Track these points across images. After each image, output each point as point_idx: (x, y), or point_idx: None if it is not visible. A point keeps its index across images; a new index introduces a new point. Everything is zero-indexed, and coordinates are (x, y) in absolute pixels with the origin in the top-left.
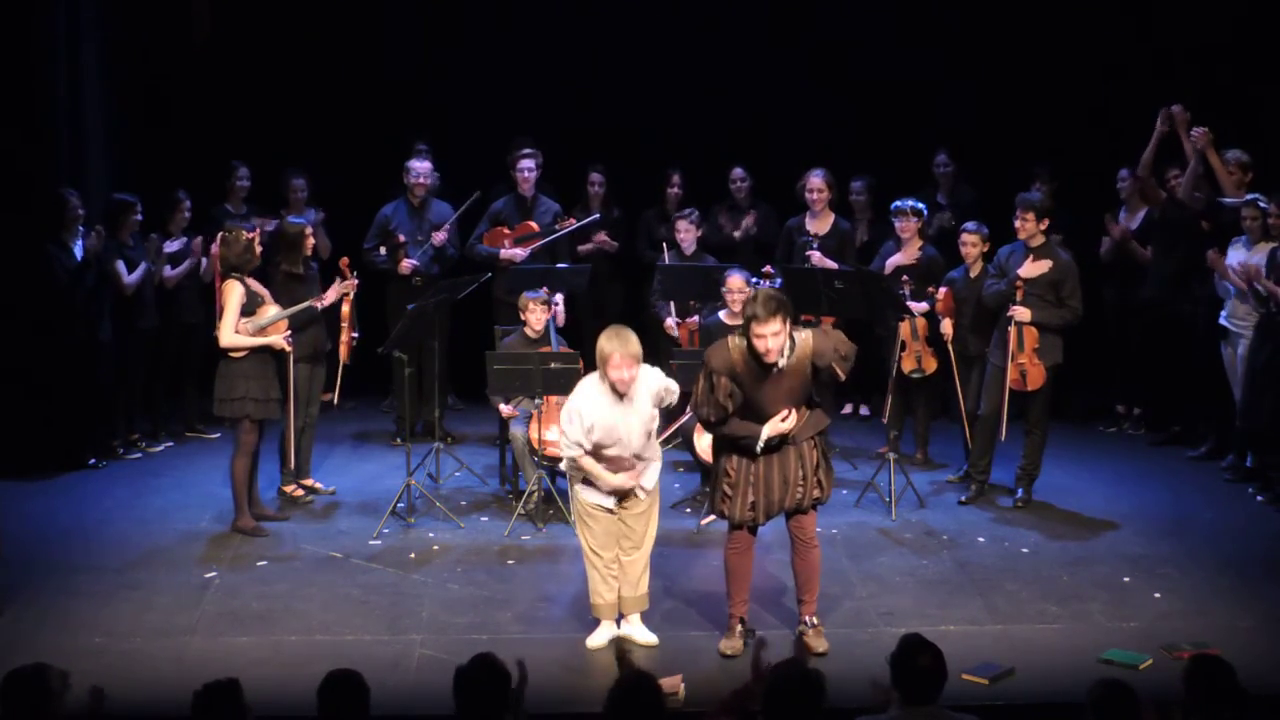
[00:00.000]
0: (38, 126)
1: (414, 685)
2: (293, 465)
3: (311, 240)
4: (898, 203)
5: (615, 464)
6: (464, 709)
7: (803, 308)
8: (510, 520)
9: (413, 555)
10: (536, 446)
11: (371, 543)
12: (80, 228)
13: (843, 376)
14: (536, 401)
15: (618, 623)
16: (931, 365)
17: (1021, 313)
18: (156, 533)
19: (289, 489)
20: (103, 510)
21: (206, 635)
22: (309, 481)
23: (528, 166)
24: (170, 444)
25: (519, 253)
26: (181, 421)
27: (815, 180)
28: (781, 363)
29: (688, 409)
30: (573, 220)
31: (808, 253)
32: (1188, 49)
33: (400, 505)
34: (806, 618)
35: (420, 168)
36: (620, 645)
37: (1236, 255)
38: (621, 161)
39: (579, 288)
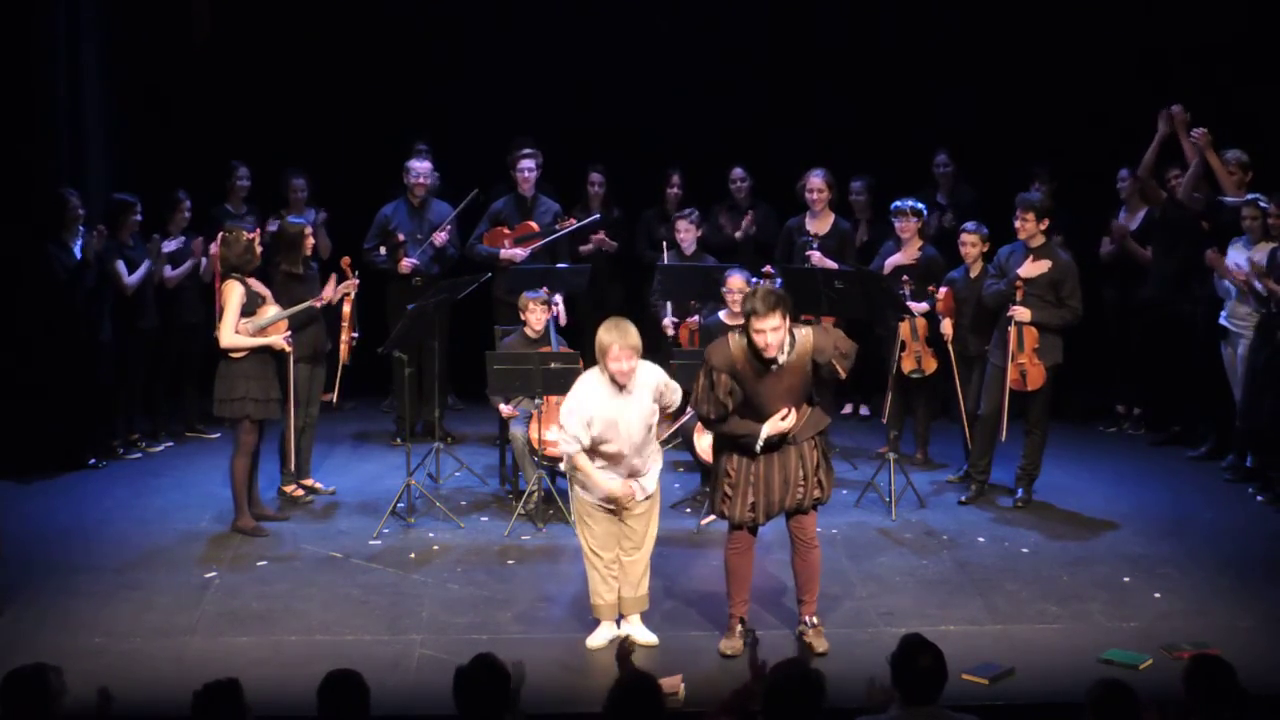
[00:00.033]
0: (38, 126)
1: (414, 685)
2: (293, 465)
3: (311, 240)
4: (898, 203)
5: (613, 461)
6: (464, 709)
7: (803, 308)
8: (510, 520)
9: (413, 555)
10: (536, 446)
11: (371, 543)
12: (80, 228)
13: (843, 374)
14: (536, 401)
15: (618, 623)
16: (931, 365)
17: (1021, 313)
18: (156, 533)
19: (289, 489)
20: (103, 510)
21: (206, 635)
22: (309, 481)
23: (528, 166)
24: (170, 444)
25: (519, 253)
26: (181, 421)
27: (815, 180)
28: (781, 359)
29: (688, 408)
30: (573, 220)
31: (808, 253)
32: (1187, 49)
33: (400, 505)
34: (806, 618)
35: (420, 168)
36: (621, 645)
37: (1236, 255)
38: (621, 161)
39: (579, 288)
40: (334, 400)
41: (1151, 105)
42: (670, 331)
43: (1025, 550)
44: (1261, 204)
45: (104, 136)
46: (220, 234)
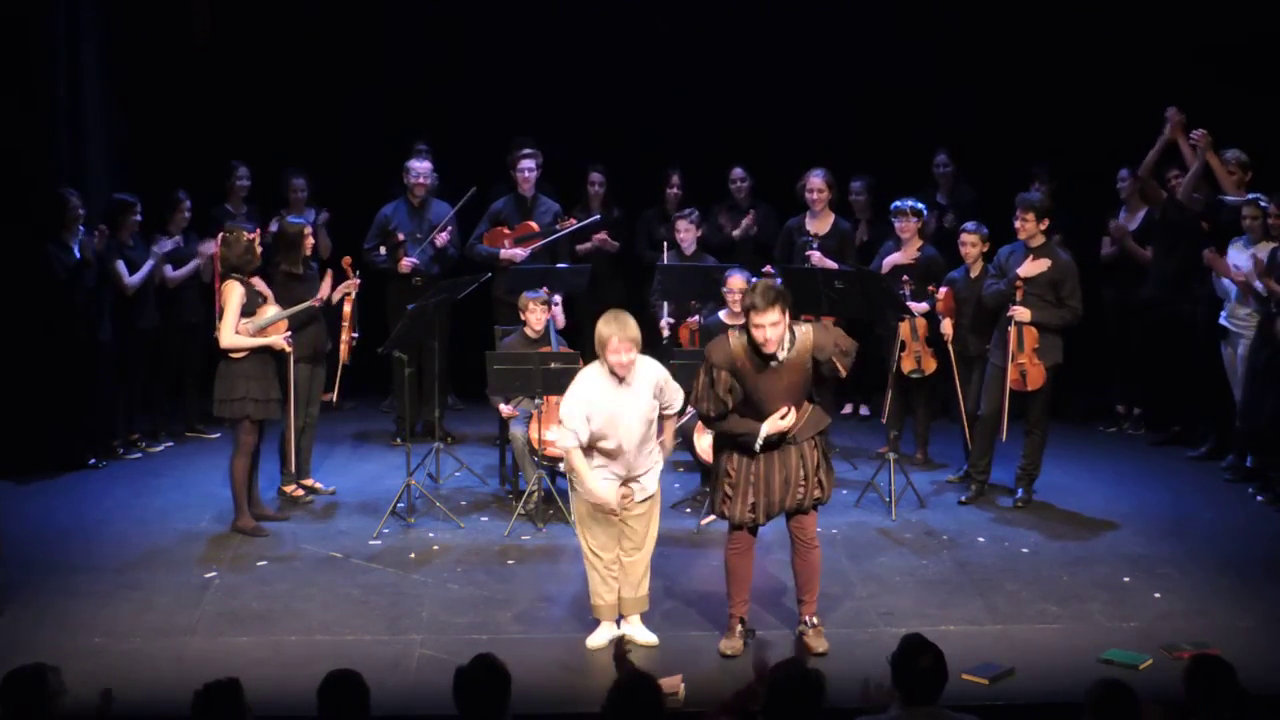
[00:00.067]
0: (38, 126)
1: (414, 685)
2: (293, 465)
3: (311, 240)
4: (898, 203)
5: (611, 458)
6: (464, 709)
7: (803, 308)
8: (510, 520)
9: (413, 555)
10: (536, 446)
11: (371, 543)
12: (80, 228)
13: (843, 372)
14: (536, 401)
15: (618, 623)
16: (931, 365)
17: (1021, 313)
18: (156, 533)
19: (289, 489)
20: (103, 510)
21: (206, 635)
22: (309, 481)
23: (528, 166)
24: (170, 444)
25: (519, 253)
26: (181, 421)
27: (815, 180)
28: (781, 355)
29: (688, 407)
30: (573, 220)
31: (808, 253)
32: (1187, 49)
33: (400, 505)
34: (806, 618)
35: (420, 168)
36: (617, 644)
37: (1236, 255)
38: (621, 161)
39: (579, 288)
40: (334, 400)
41: (1151, 105)
42: (666, 333)
43: (1025, 550)
44: (1262, 203)
45: (104, 136)
46: (220, 234)
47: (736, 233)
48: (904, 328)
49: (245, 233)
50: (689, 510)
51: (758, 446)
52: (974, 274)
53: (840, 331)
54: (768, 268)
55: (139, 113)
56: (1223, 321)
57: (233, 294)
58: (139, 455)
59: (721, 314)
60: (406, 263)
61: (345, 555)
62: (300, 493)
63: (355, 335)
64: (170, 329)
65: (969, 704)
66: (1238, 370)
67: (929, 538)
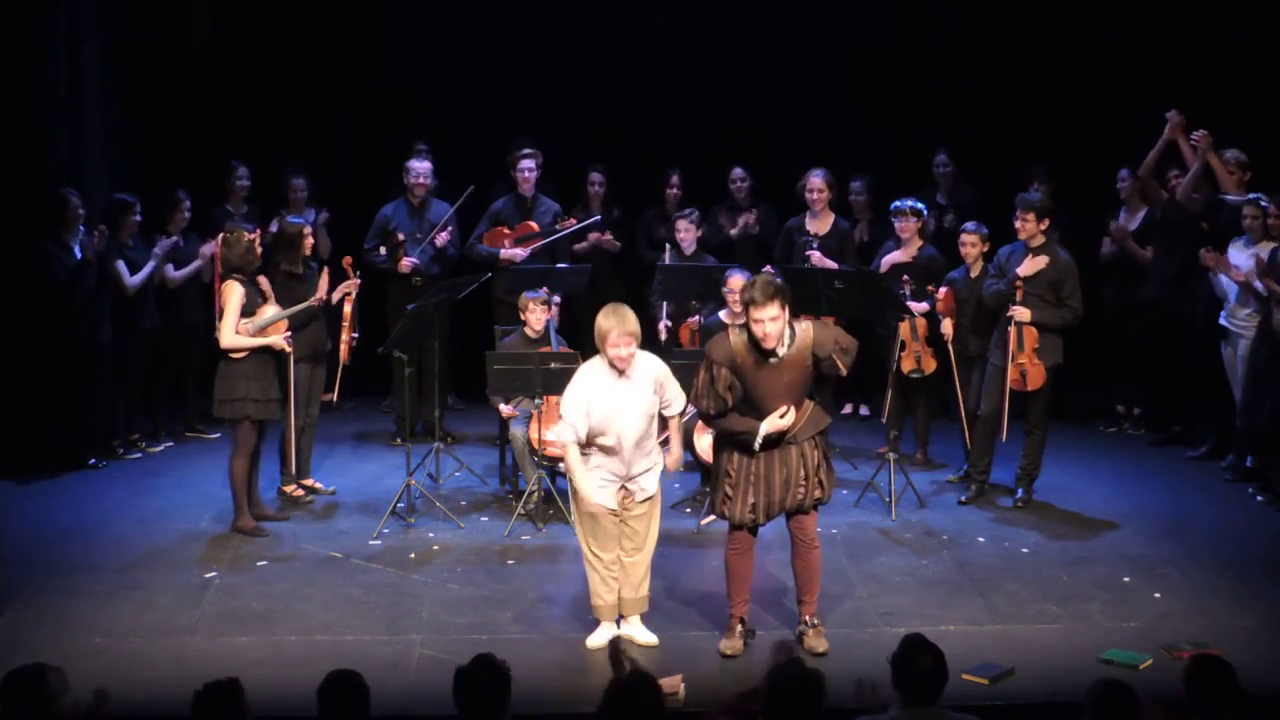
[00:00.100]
0: (38, 126)
1: (414, 685)
2: (293, 465)
3: (310, 240)
4: (898, 203)
5: (610, 455)
6: (464, 709)
7: (803, 308)
8: (510, 520)
9: (413, 555)
10: (536, 446)
11: (371, 543)
12: (81, 228)
13: (844, 370)
14: (536, 401)
15: (618, 623)
16: (931, 365)
17: (1021, 313)
18: (156, 533)
19: (289, 489)
20: (103, 510)
21: (206, 635)
22: (309, 481)
23: (528, 166)
24: (170, 444)
25: (519, 253)
26: (181, 421)
27: (815, 180)
28: (781, 351)
29: (688, 408)
30: (573, 220)
31: (808, 253)
32: (1187, 49)
33: (400, 505)
34: (806, 618)
35: (420, 168)
36: (612, 645)
37: (1237, 254)
38: (621, 161)
39: (579, 288)
40: (334, 400)
41: (1152, 105)
42: (664, 336)
43: (1025, 550)
44: (1263, 203)
45: (104, 136)
46: (221, 234)
47: (734, 231)
48: (904, 328)
49: (246, 233)
50: (689, 510)
51: (757, 445)
52: (974, 274)
53: (840, 330)
54: (767, 268)
55: (139, 113)
56: (1223, 321)
57: (233, 294)
58: (139, 455)
59: (721, 314)
60: (406, 263)
61: (345, 555)
62: (300, 493)
63: (355, 335)
64: (170, 329)
65: (969, 704)
66: (1238, 370)
67: (929, 538)
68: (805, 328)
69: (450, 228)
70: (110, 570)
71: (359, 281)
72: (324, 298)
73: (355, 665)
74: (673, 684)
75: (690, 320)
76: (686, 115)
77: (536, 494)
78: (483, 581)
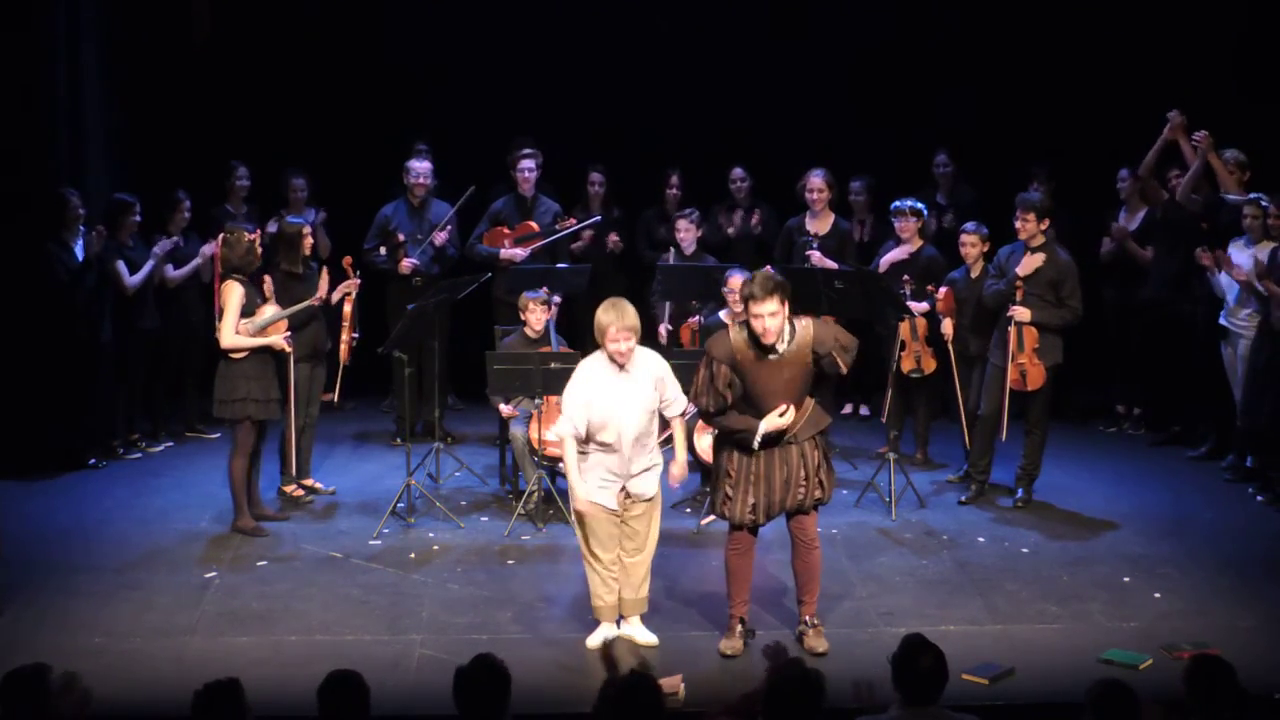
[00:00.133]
0: (38, 126)
1: (414, 685)
2: (293, 465)
3: (310, 240)
4: (897, 203)
5: (609, 452)
6: (464, 709)
7: (803, 308)
8: (510, 520)
9: (413, 555)
10: (536, 446)
11: (371, 543)
12: (81, 227)
13: (844, 368)
14: (536, 401)
15: (618, 624)
16: (930, 365)
17: (1021, 313)
18: (156, 533)
19: (289, 489)
20: (103, 510)
21: (206, 635)
22: (309, 481)
23: (528, 166)
24: (170, 444)
25: (519, 253)
26: (181, 421)
27: (815, 180)
28: (781, 348)
29: (688, 408)
30: (573, 220)
31: (808, 253)
32: (1187, 49)
33: (400, 505)
34: (806, 618)
35: (420, 168)
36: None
37: (1237, 254)
38: (621, 161)
39: (579, 288)
40: (334, 400)
41: (1152, 105)
42: (664, 339)
43: (1025, 550)
44: (1263, 203)
45: (104, 136)
46: (221, 235)
47: (732, 230)
48: (904, 327)
49: (246, 233)
50: (689, 510)
51: (756, 443)
52: (974, 274)
53: (840, 328)
54: (767, 268)
55: (139, 113)
56: (1223, 321)
57: (233, 294)
58: (139, 455)
59: (722, 314)
60: (407, 263)
61: (345, 555)
62: (300, 493)
63: (355, 335)
64: (170, 329)
65: (969, 704)
66: (1238, 370)
67: (929, 538)
68: (805, 324)
69: (449, 226)
70: (110, 570)
71: (359, 281)
72: (324, 297)
73: (355, 665)
74: (673, 684)
75: (691, 320)
76: (686, 115)
77: (536, 494)
78: (483, 581)
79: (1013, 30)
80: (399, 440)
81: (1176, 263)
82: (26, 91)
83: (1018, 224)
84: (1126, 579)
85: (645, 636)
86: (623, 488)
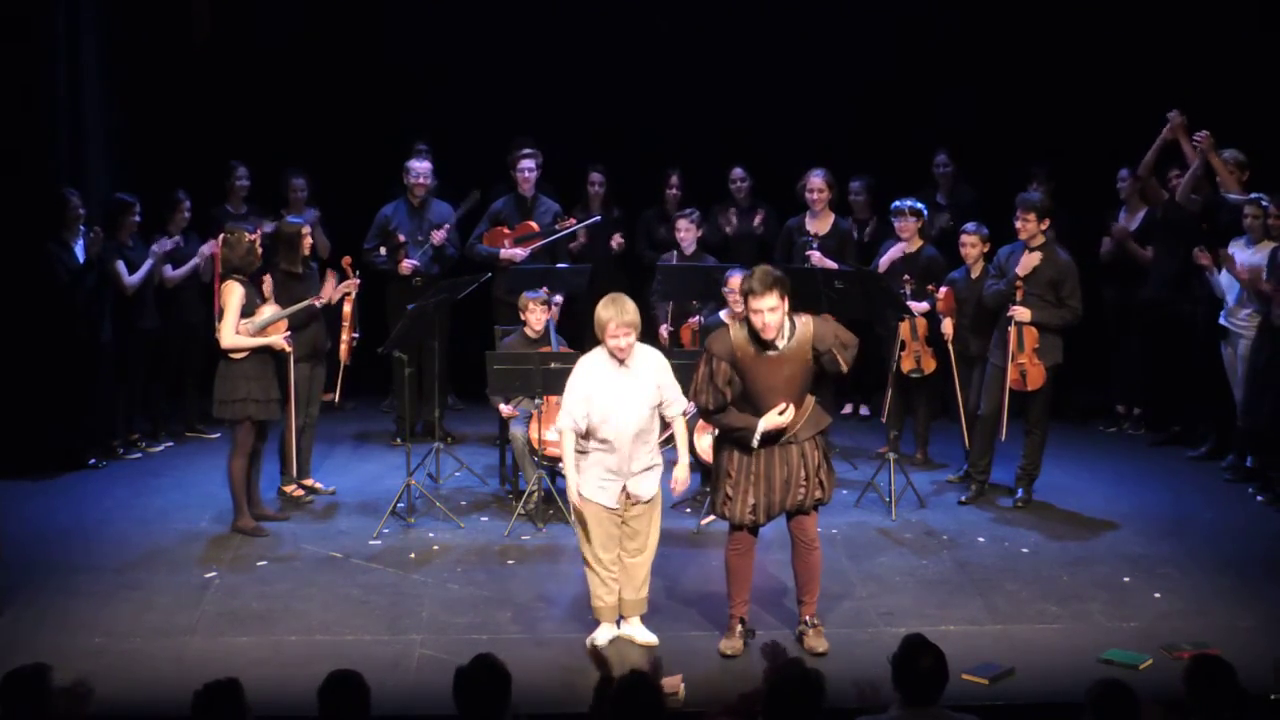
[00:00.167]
0: (38, 126)
1: (414, 685)
2: (293, 465)
3: (309, 240)
4: (897, 203)
5: (608, 450)
6: (464, 709)
7: (803, 308)
8: (510, 520)
9: (413, 555)
10: (536, 446)
11: (371, 543)
12: (81, 227)
13: (844, 366)
14: (536, 401)
15: (618, 624)
16: (930, 365)
17: (1021, 313)
18: (156, 533)
19: (289, 489)
20: (103, 510)
21: (206, 635)
22: (309, 481)
23: (528, 166)
24: (170, 444)
25: (519, 253)
26: (181, 421)
27: (815, 180)
28: (781, 344)
29: (688, 407)
30: (573, 220)
31: (808, 253)
32: (1187, 49)
33: (400, 505)
34: (807, 618)
35: (420, 168)
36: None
37: (1237, 254)
38: (621, 161)
39: (579, 288)
40: (335, 400)
41: (1152, 105)
42: (664, 339)
43: (1025, 550)
44: (1264, 203)
45: (104, 136)
46: (222, 235)
47: (729, 229)
48: (904, 327)
49: (246, 234)
50: (689, 510)
51: (755, 441)
52: (974, 274)
53: (841, 326)
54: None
55: (139, 113)
56: (1223, 321)
57: (233, 294)
58: (139, 455)
59: (722, 314)
60: (407, 264)
61: (345, 555)
62: (300, 493)
63: (355, 335)
64: (170, 329)
65: (969, 704)
66: (1238, 370)
67: (929, 538)
68: (805, 321)
69: (447, 225)
70: (110, 570)
71: (359, 281)
72: (324, 298)
73: (355, 665)
74: (673, 684)
75: (691, 320)
76: (686, 115)
77: (536, 494)
78: (483, 581)
79: (1013, 30)
80: (399, 440)
81: (1176, 263)
82: (26, 91)
83: (1018, 224)
84: (1126, 579)
85: (645, 636)
86: (623, 487)
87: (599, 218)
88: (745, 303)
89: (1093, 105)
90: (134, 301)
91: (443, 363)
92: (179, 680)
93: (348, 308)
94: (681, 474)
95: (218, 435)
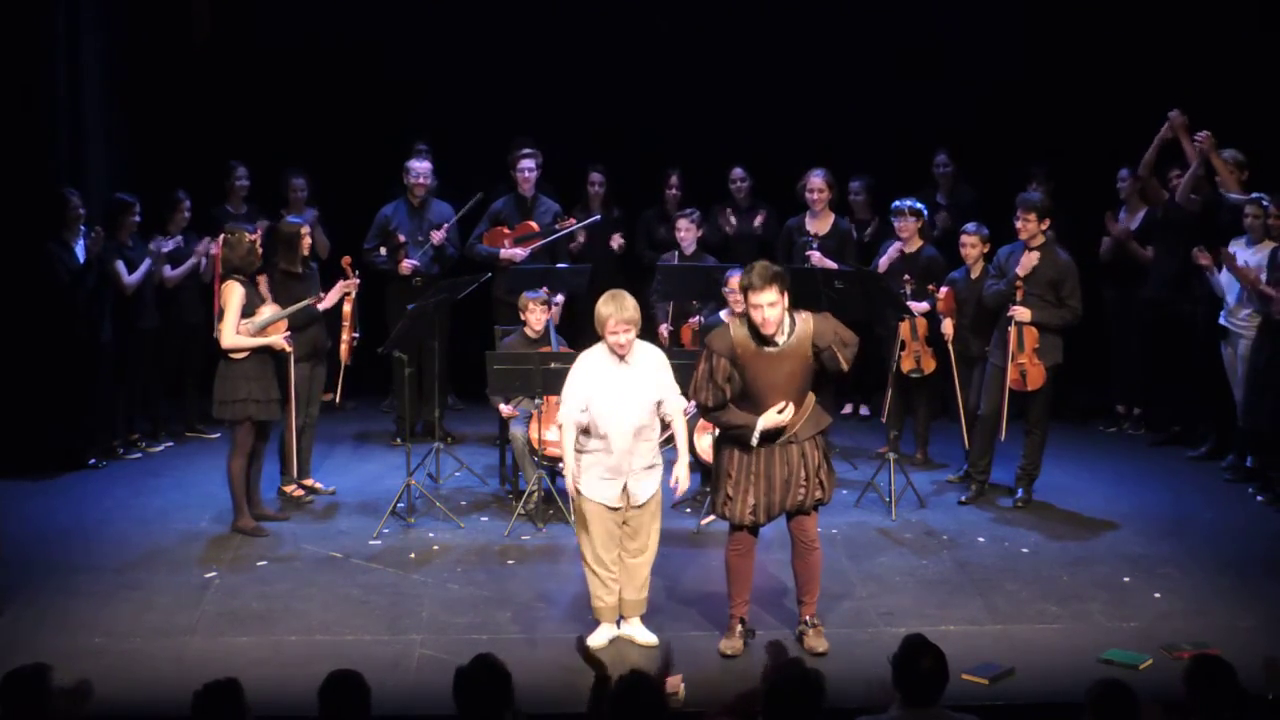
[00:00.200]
0: (38, 126)
1: (414, 685)
2: (294, 466)
3: (308, 240)
4: (897, 203)
5: (608, 447)
6: (464, 709)
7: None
8: (510, 520)
9: (413, 555)
10: (536, 446)
11: (371, 543)
12: (82, 227)
13: (845, 365)
14: (536, 401)
15: (618, 624)
16: (930, 365)
17: (1021, 313)
18: (156, 533)
19: (289, 489)
20: (103, 510)
21: (206, 635)
22: (309, 481)
23: (528, 166)
24: (170, 444)
25: (519, 253)
26: (181, 421)
27: (815, 180)
28: (781, 340)
29: (688, 407)
30: (573, 220)
31: (808, 253)
32: (1187, 49)
33: (400, 505)
34: (807, 618)
35: (420, 168)
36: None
37: (1238, 254)
38: (621, 161)
39: (579, 288)
40: (335, 400)
41: (1152, 105)
42: (665, 339)
43: (1025, 550)
44: (1264, 203)
45: (104, 136)
46: (222, 235)
47: (727, 228)
48: (904, 327)
49: (247, 234)
50: (689, 510)
51: (754, 440)
52: (974, 274)
53: (841, 324)
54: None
55: (139, 113)
56: (1223, 321)
57: (233, 295)
58: (139, 455)
59: (722, 314)
60: (407, 264)
61: (345, 555)
62: (300, 493)
63: (355, 335)
64: (170, 329)
65: (969, 704)
66: (1238, 370)
67: (929, 538)
68: (805, 318)
69: (447, 226)
70: (110, 570)
71: (358, 281)
72: (323, 297)
73: (355, 665)
74: (673, 684)
75: (691, 320)
76: (686, 115)
77: (536, 494)
78: (483, 581)
79: (1013, 30)
80: (399, 440)
81: (1176, 263)
82: (26, 91)
83: (1018, 224)
84: (1126, 579)
85: (645, 637)
86: (624, 486)
87: (599, 217)
88: (745, 298)
89: (1093, 105)
90: (134, 301)
91: (443, 363)
92: (179, 680)
93: (348, 308)
94: (681, 472)
95: (218, 435)
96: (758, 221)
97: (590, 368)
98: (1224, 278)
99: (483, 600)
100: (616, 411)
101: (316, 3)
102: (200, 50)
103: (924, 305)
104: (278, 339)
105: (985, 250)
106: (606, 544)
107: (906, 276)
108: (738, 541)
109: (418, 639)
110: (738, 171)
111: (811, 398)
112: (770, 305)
